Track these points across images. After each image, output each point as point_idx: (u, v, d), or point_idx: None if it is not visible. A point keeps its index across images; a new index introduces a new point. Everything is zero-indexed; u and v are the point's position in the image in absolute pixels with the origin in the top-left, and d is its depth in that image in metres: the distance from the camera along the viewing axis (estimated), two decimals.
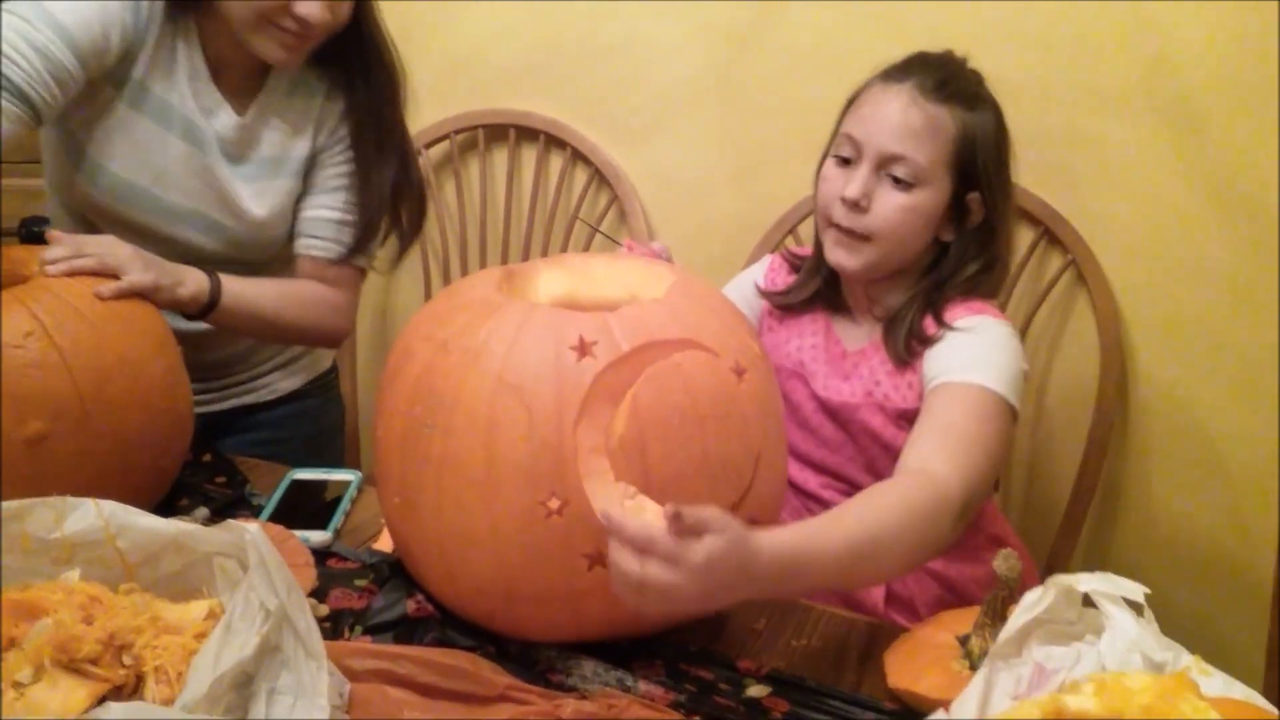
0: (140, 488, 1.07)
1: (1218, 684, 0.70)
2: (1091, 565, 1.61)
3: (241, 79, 1.28)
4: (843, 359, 1.28)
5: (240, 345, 1.38)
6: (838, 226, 1.21)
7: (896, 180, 1.17)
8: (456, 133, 1.95)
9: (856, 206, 1.18)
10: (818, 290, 1.31)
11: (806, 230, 1.73)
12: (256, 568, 0.75)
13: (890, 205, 1.18)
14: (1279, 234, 1.48)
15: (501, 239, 1.99)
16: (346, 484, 1.22)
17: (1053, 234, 1.59)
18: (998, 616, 0.85)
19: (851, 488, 1.25)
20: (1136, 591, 0.74)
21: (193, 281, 1.18)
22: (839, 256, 1.22)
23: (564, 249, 1.94)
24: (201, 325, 1.24)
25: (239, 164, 1.30)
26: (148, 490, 1.10)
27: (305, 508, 1.17)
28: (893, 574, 1.11)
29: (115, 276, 1.08)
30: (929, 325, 1.20)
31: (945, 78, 1.20)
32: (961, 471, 1.00)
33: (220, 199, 1.29)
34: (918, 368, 1.20)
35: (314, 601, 0.97)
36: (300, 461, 1.26)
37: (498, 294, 0.94)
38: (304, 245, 1.33)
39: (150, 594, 0.80)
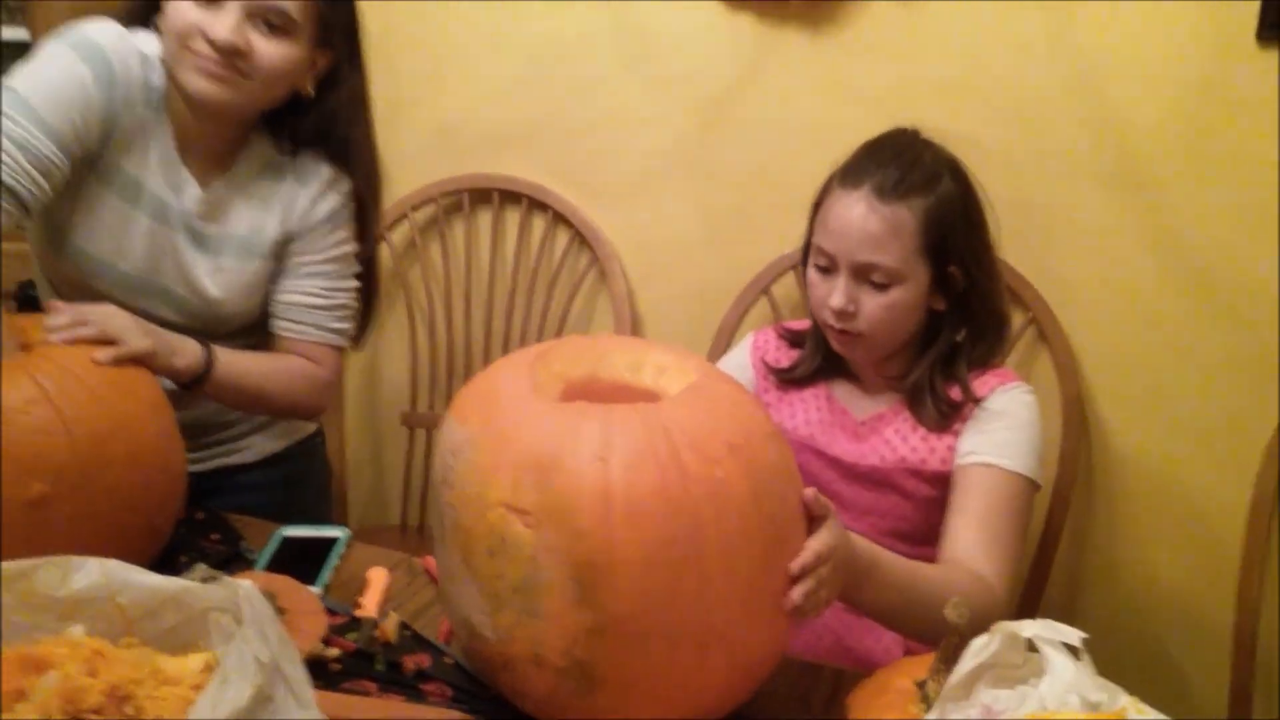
0: (137, 546, 1.12)
1: None
2: (1058, 613, 1.66)
3: (209, 156, 1.31)
4: (857, 426, 1.35)
5: (220, 407, 1.42)
6: (831, 327, 1.29)
7: (875, 283, 1.24)
8: (442, 196, 2.02)
9: (844, 313, 1.25)
10: (821, 364, 1.38)
11: (779, 291, 1.80)
12: (250, 622, 0.80)
13: (874, 307, 1.25)
14: (1229, 291, 1.56)
15: (486, 299, 2.05)
16: (334, 540, 1.26)
17: (1013, 293, 1.66)
18: (951, 661, 0.90)
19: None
20: (1074, 636, 0.79)
21: (188, 352, 1.23)
22: (841, 350, 1.31)
23: (545, 309, 2.00)
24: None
25: (202, 240, 1.32)
26: (143, 548, 1.14)
27: (296, 563, 1.21)
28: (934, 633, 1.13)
29: (114, 343, 1.13)
30: (955, 393, 1.28)
31: (899, 175, 1.24)
32: (1006, 574, 1.16)
33: (178, 273, 1.32)
34: (955, 431, 1.28)
35: (323, 645, 1.01)
36: (286, 523, 1.30)
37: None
38: (281, 327, 1.38)
39: (150, 647, 0.84)
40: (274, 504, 1.40)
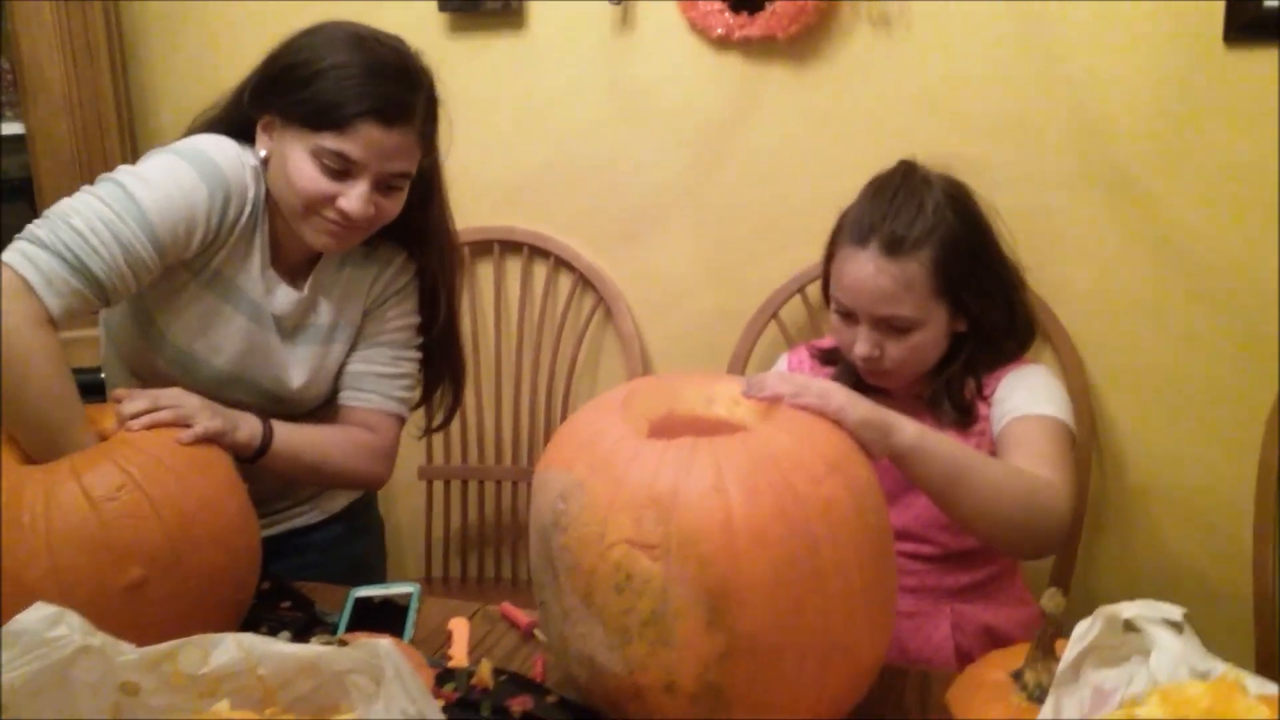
0: (222, 621, 1.13)
1: (1253, 685, 0.81)
2: (1081, 600, 1.73)
3: (299, 260, 1.35)
4: None
5: (267, 487, 1.44)
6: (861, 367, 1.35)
7: (896, 328, 1.30)
8: None
9: (870, 358, 1.32)
10: (854, 384, 1.44)
11: (788, 316, 1.86)
12: (393, 679, 0.83)
13: (901, 351, 1.32)
14: (1218, 277, 1.65)
15: (493, 349, 2.08)
16: (408, 595, 1.28)
17: None
18: (1047, 650, 0.95)
19: (919, 543, 1.37)
20: (1175, 612, 0.85)
21: (247, 427, 1.25)
22: (871, 382, 1.36)
23: (554, 353, 2.04)
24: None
25: (291, 335, 1.36)
26: (228, 622, 1.16)
27: (374, 622, 1.23)
28: (994, 508, 1.14)
29: (187, 425, 1.15)
30: (970, 390, 1.35)
31: (904, 229, 1.29)
32: (1066, 483, 1.19)
33: (267, 368, 1.35)
34: (981, 421, 1.34)
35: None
36: (347, 582, 1.32)
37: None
38: (345, 396, 1.40)
39: (291, 714, 0.87)
40: (335, 562, 1.43)
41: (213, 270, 1.29)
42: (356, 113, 1.19)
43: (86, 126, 1.94)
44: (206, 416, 1.17)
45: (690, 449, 0.89)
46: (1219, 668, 0.84)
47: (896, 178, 1.36)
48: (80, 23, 1.92)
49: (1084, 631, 0.88)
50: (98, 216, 1.16)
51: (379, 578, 1.58)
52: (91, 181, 1.24)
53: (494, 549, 2.17)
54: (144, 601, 1.05)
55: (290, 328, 1.36)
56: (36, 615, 0.81)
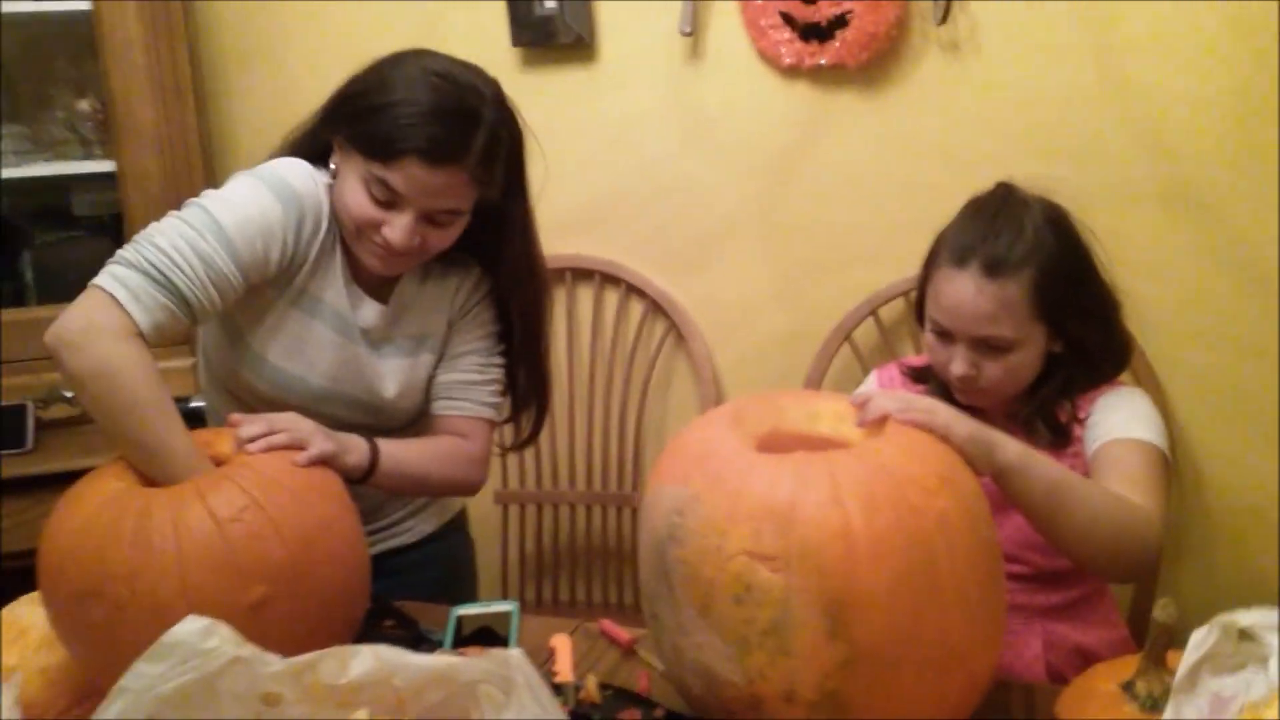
0: (338, 638, 1.15)
1: None
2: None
3: (377, 276, 1.38)
4: None
5: (378, 495, 1.48)
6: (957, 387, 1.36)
7: (994, 348, 1.31)
8: None
9: (967, 378, 1.33)
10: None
11: (860, 337, 1.88)
12: (524, 687, 0.86)
13: (997, 371, 1.32)
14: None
15: (566, 374, 2.12)
16: (508, 613, 1.31)
17: None
18: (1159, 660, 0.96)
19: (1011, 563, 1.37)
20: None
21: (356, 450, 1.29)
22: (966, 402, 1.35)
23: (627, 378, 2.07)
24: None
25: (381, 348, 1.41)
26: (341, 640, 1.16)
27: (478, 639, 1.26)
28: (1090, 532, 1.15)
29: (302, 448, 1.19)
30: (1064, 413, 1.35)
31: (1004, 251, 1.29)
32: (1158, 508, 1.20)
33: (361, 382, 1.39)
34: (1076, 442, 1.35)
35: None
36: (441, 602, 1.35)
37: None
38: (438, 406, 1.45)
39: None
40: (434, 581, 1.46)
41: (297, 288, 1.34)
42: (403, 150, 1.23)
43: (175, 164, 2.01)
44: (320, 439, 1.21)
45: (805, 462, 0.91)
46: None
47: (996, 199, 1.37)
48: (169, 63, 1.99)
49: (1201, 640, 0.89)
50: (180, 235, 1.21)
51: (472, 597, 1.61)
52: None
53: (569, 572, 2.20)
54: (267, 620, 1.08)
55: (377, 340, 1.40)
56: (190, 628, 0.84)
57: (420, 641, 1.28)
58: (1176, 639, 0.94)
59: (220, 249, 1.23)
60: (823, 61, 1.80)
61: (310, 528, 1.13)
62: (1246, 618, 0.88)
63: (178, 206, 1.27)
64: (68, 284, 1.28)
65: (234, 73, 2.23)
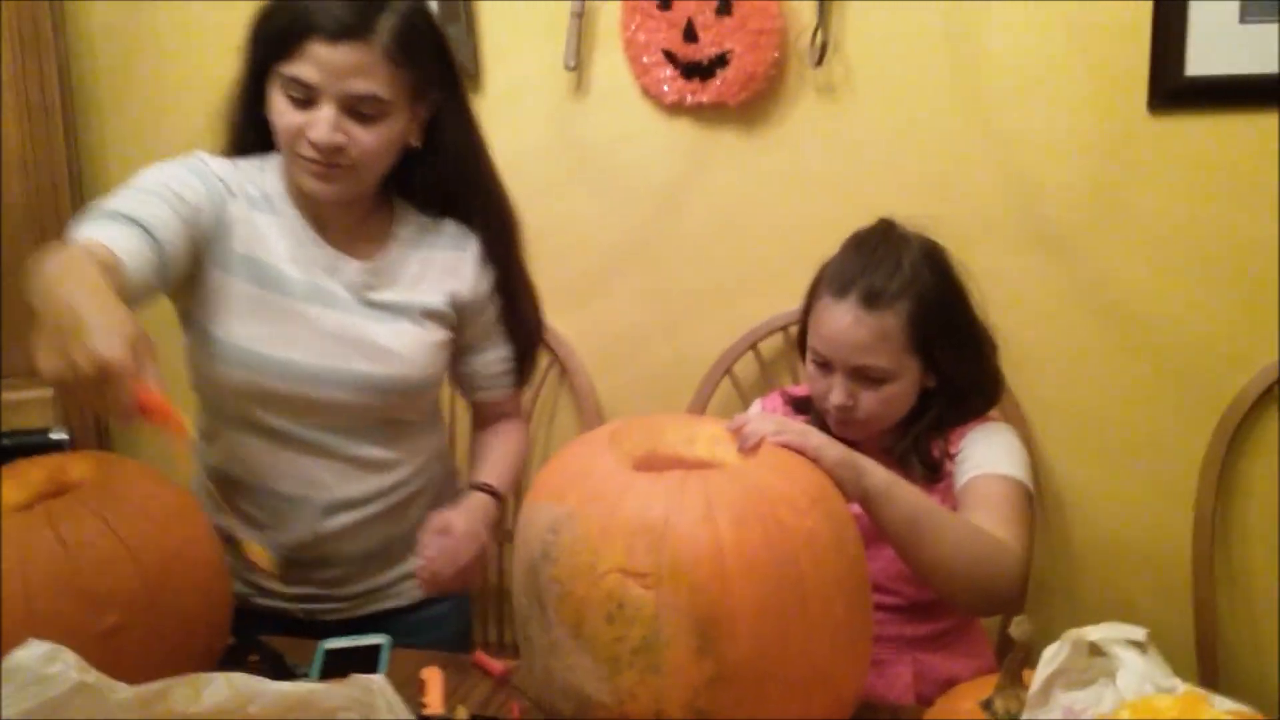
0: (196, 669, 1.12)
1: (1218, 702, 0.86)
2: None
3: (356, 233, 1.38)
4: None
5: (372, 543, 1.43)
6: (832, 416, 1.39)
7: (871, 379, 1.35)
8: None
9: (844, 408, 1.36)
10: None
11: (740, 371, 1.91)
12: (385, 715, 0.84)
13: (872, 401, 1.36)
14: (1145, 329, 1.74)
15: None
16: (377, 647, 1.28)
17: None
18: (1015, 678, 0.99)
19: (883, 594, 1.40)
20: (1138, 633, 0.90)
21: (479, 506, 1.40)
22: (841, 433, 1.37)
23: None
24: (342, 519, 1.39)
25: (377, 309, 1.38)
26: (199, 670, 1.15)
27: (346, 673, 1.22)
28: (951, 562, 1.20)
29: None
30: (938, 448, 1.39)
31: (882, 283, 1.33)
32: (1021, 541, 1.24)
33: (361, 349, 1.35)
34: (947, 476, 1.38)
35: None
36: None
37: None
38: (480, 395, 1.54)
39: None
40: (458, 635, 1.58)
41: (241, 258, 1.31)
42: (304, 32, 1.22)
43: (40, 187, 1.93)
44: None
45: (680, 481, 0.92)
46: (1181, 686, 0.89)
47: (877, 234, 1.41)
48: (37, 80, 1.92)
49: (1053, 655, 0.92)
50: (113, 193, 1.23)
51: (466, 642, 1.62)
52: (44, 242, 1.22)
53: None
54: (121, 647, 1.04)
55: (375, 303, 1.37)
56: (32, 652, 0.81)
57: (285, 676, 1.23)
58: (1033, 657, 0.97)
59: (148, 177, 1.25)
60: (704, 99, 1.84)
61: (169, 555, 1.10)
62: (1095, 632, 0.91)
63: (44, 230, 1.26)
64: None
65: (105, 93, 2.16)
